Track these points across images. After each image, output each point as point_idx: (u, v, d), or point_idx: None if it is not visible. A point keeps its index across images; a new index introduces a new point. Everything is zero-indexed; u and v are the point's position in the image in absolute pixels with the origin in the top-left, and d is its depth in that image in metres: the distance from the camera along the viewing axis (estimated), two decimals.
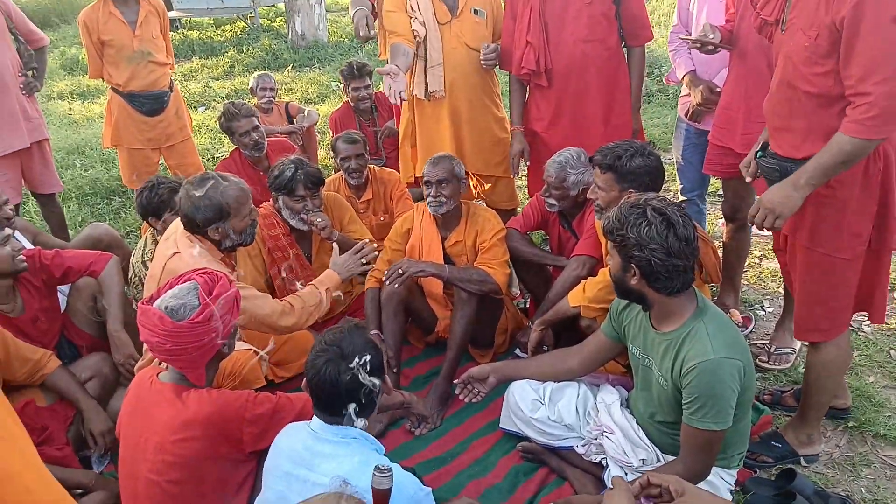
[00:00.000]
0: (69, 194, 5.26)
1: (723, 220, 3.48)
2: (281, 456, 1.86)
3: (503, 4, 3.45)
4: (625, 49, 3.38)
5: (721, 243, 3.48)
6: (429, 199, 3.09)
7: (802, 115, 2.21)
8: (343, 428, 1.81)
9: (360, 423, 1.81)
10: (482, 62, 3.37)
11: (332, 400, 1.81)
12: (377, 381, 1.84)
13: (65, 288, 3.18)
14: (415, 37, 3.34)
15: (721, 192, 3.66)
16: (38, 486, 1.46)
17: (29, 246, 3.25)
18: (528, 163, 3.48)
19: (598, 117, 3.33)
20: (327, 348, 1.83)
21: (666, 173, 4.82)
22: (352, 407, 1.78)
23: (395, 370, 3.01)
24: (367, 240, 3.03)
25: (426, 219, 3.20)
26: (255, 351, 2.53)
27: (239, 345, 2.47)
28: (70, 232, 4.40)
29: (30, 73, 4.01)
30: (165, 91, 4.38)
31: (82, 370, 2.85)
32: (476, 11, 3.41)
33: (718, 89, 3.12)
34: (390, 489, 1.39)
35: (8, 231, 2.81)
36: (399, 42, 3.26)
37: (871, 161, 2.17)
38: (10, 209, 3.26)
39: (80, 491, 2.52)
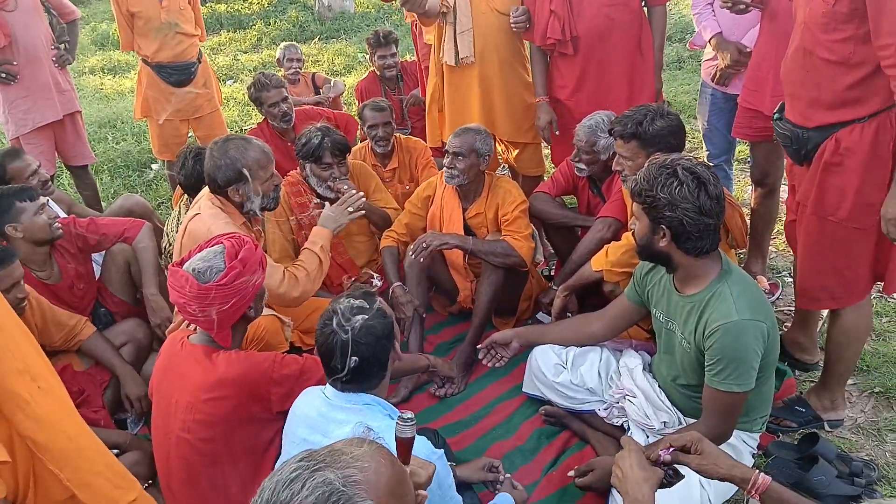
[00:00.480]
0: (102, 167, 5.37)
1: (751, 186, 3.43)
2: (297, 422, 1.88)
3: None
4: (645, 9, 3.32)
5: (749, 210, 3.43)
6: (445, 167, 3.10)
7: (815, 83, 2.18)
8: (356, 395, 1.82)
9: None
10: (512, 26, 3.32)
11: (341, 365, 1.79)
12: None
13: (98, 257, 3.28)
14: (443, 3, 3.32)
15: (749, 157, 3.60)
16: (78, 434, 1.54)
17: (64, 215, 3.34)
18: (556, 132, 3.46)
19: (622, 81, 3.29)
20: (337, 312, 1.84)
21: (693, 140, 4.78)
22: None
23: (419, 334, 3.05)
24: (354, 191, 2.98)
25: (448, 189, 3.20)
26: (278, 317, 2.58)
27: (264, 311, 2.53)
28: (103, 204, 4.50)
29: (62, 46, 4.08)
30: (193, 62, 4.41)
31: (117, 335, 2.95)
32: None
33: (748, 50, 3.06)
34: (413, 438, 1.41)
35: (43, 199, 2.89)
36: None
37: (880, 130, 2.15)
38: (46, 173, 3.36)
39: (115, 451, 2.62)
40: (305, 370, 2.11)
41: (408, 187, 3.90)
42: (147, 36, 4.27)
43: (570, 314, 2.89)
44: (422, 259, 2.94)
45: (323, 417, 1.82)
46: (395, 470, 1.04)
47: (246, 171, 2.53)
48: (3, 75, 3.81)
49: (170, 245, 3.28)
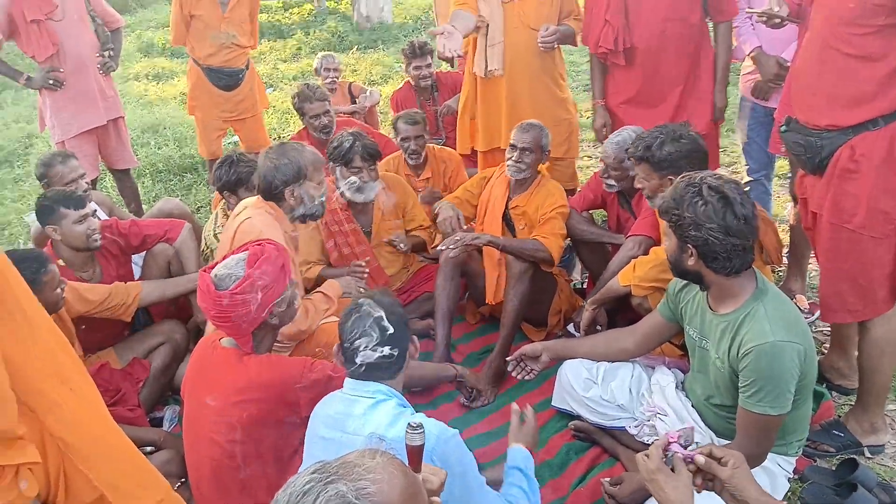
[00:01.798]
0: (143, 171, 5.49)
1: (791, 202, 3.36)
2: (318, 423, 1.91)
3: None
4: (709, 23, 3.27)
5: (789, 226, 3.36)
6: (509, 163, 3.13)
7: (832, 79, 2.18)
8: (373, 383, 1.84)
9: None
10: (540, 45, 3.33)
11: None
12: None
13: (138, 259, 3.35)
14: (479, 17, 3.34)
15: (789, 173, 3.53)
16: (107, 435, 1.56)
17: (105, 217, 3.42)
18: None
19: (674, 95, 3.26)
20: (361, 301, 1.91)
21: (732, 153, 4.70)
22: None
23: (447, 332, 3.09)
24: (360, 262, 3.07)
25: (500, 178, 3.26)
26: None
27: (330, 319, 2.57)
28: (144, 207, 4.60)
29: (106, 53, 4.18)
30: (242, 69, 4.52)
31: (155, 335, 3.02)
32: None
33: (788, 64, 3.01)
34: (423, 445, 1.42)
35: (89, 210, 2.95)
36: (461, 9, 3.26)
37: (895, 138, 2.14)
38: (87, 183, 3.44)
39: (149, 450, 2.66)
40: (335, 376, 2.12)
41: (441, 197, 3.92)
42: (203, 40, 4.38)
43: (599, 328, 2.86)
44: (452, 253, 2.94)
45: (341, 414, 1.84)
46: (407, 480, 1.04)
47: (303, 171, 2.61)
48: (51, 82, 3.92)
49: (206, 248, 3.35)
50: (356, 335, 1.84)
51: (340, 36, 9.69)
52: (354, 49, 9.03)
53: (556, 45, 3.34)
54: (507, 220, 3.26)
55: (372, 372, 1.83)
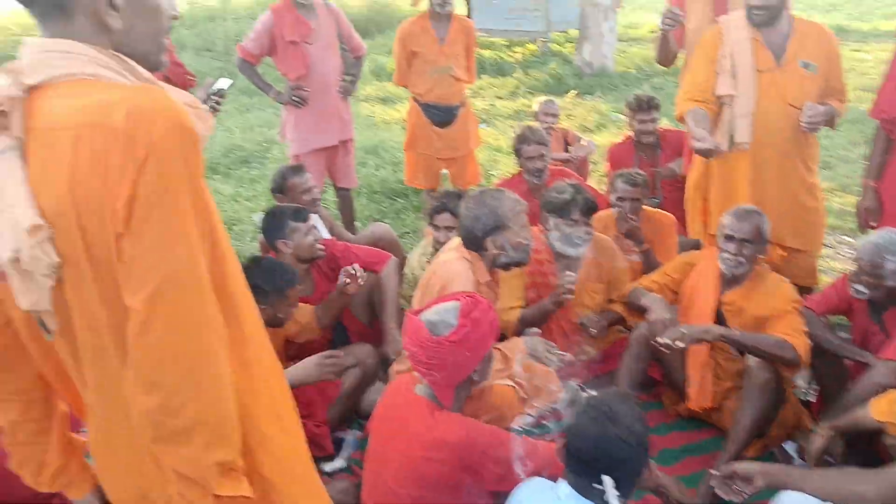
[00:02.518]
0: (360, 190, 5.76)
1: None
2: None
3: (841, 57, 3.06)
4: None
5: None
6: (724, 255, 2.83)
7: None
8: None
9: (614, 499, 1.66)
10: (803, 124, 2.99)
11: (590, 463, 1.69)
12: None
13: None
14: (718, 98, 3.08)
15: None
16: (307, 476, 1.52)
17: (326, 233, 3.62)
18: (872, 223, 3.11)
19: None
20: (595, 406, 1.74)
21: None
22: (608, 482, 1.64)
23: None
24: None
25: (712, 265, 2.93)
26: (515, 388, 2.51)
27: (504, 381, 2.49)
28: (357, 224, 4.83)
29: (348, 78, 4.47)
30: (457, 105, 4.65)
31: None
32: (806, 65, 3.03)
33: None
34: None
35: (311, 222, 3.14)
36: (699, 107, 3.04)
37: None
38: (318, 191, 3.67)
39: (329, 469, 2.75)
40: (526, 458, 1.99)
41: None
42: (423, 75, 4.58)
43: (831, 458, 2.46)
44: (678, 346, 2.60)
45: None
46: None
47: (503, 220, 2.57)
48: (296, 99, 4.24)
49: (411, 273, 3.43)
50: (594, 442, 1.68)
51: (559, 78, 9.70)
52: (572, 94, 8.98)
53: (818, 130, 2.99)
54: (718, 317, 2.90)
55: (593, 490, 1.67)
